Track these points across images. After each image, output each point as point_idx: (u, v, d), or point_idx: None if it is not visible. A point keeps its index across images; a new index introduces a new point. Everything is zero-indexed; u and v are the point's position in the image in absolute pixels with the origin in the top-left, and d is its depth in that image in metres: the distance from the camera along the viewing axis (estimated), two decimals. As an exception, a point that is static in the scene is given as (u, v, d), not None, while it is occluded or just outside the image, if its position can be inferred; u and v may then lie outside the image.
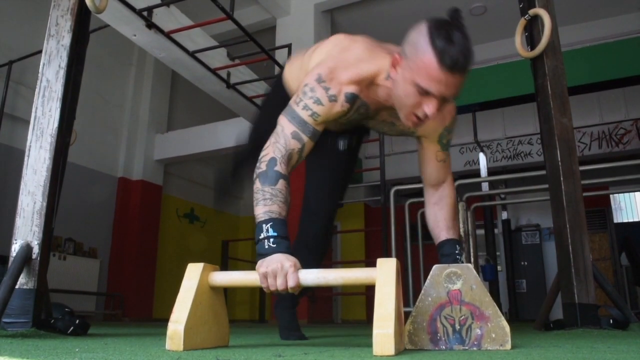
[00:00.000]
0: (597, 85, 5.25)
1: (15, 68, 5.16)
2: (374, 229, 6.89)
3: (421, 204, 4.94)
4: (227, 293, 7.15)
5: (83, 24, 2.15)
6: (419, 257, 4.92)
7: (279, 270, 1.11)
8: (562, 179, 2.20)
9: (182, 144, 6.88)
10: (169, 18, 3.89)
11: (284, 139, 1.29)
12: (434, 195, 1.51)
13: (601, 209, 7.70)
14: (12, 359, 0.91)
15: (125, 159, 6.77)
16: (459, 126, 1.60)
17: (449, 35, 1.14)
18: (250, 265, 7.02)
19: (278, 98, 1.69)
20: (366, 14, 6.54)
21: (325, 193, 1.90)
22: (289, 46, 4.77)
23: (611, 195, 8.07)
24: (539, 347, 1.16)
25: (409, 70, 1.21)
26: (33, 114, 2.01)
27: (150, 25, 3.70)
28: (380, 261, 1.08)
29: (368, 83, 1.35)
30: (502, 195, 6.83)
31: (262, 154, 1.28)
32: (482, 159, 6.55)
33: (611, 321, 2.02)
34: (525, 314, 7.22)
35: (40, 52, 2.14)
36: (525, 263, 7.90)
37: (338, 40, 1.45)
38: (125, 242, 6.53)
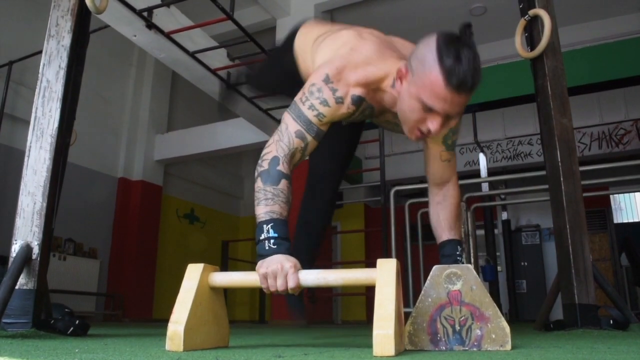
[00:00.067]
0: (597, 85, 5.25)
1: (15, 68, 5.16)
2: (374, 230, 6.89)
3: (421, 205, 4.98)
4: (227, 294, 7.14)
5: (83, 24, 2.15)
6: (419, 257, 4.92)
7: (279, 271, 1.11)
8: (562, 179, 2.20)
9: (182, 145, 6.89)
10: (169, 18, 3.88)
11: (288, 137, 1.27)
12: (437, 194, 1.50)
13: (601, 209, 7.70)
14: (12, 360, 0.91)
15: (125, 159, 6.78)
16: (459, 127, 1.60)
17: (458, 54, 1.12)
18: (251, 266, 7.02)
19: (284, 60, 1.70)
20: (366, 14, 6.54)
21: (328, 155, 1.88)
22: (289, 46, 4.76)
23: (611, 196, 8.07)
24: (539, 348, 1.16)
25: (415, 85, 1.19)
26: (33, 115, 2.01)
27: (151, 25, 3.70)
28: (380, 262, 1.08)
29: (375, 87, 1.34)
30: (502, 196, 6.83)
31: (265, 151, 1.27)
32: (482, 159, 6.55)
33: (611, 322, 2.02)
34: (525, 315, 7.22)
35: (40, 52, 2.15)
36: (525, 263, 7.90)
37: (347, 38, 1.42)
38: (125, 243, 6.53)
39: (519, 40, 2.40)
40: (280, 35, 6.11)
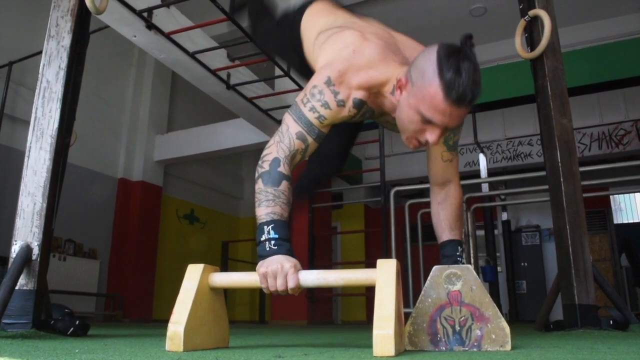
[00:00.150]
0: (597, 86, 5.26)
1: (15, 69, 5.15)
2: (374, 230, 6.89)
3: (421, 205, 4.97)
4: (227, 294, 7.14)
5: (83, 24, 2.15)
6: (419, 258, 4.92)
7: (279, 271, 1.12)
8: (562, 179, 2.20)
9: (182, 145, 6.89)
10: (169, 19, 3.88)
11: (289, 138, 1.28)
12: (439, 194, 1.50)
13: (601, 209, 7.70)
14: (11, 360, 0.91)
15: (125, 159, 6.77)
16: (459, 127, 1.60)
17: (458, 67, 1.12)
18: (251, 266, 7.03)
19: (292, 33, 1.70)
20: (366, 15, 6.54)
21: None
22: (289, 47, 4.76)
23: (611, 196, 8.08)
24: (539, 348, 1.16)
25: (414, 97, 1.20)
26: (33, 115, 2.01)
27: (150, 26, 3.70)
28: (380, 262, 1.08)
29: (376, 91, 1.34)
30: (502, 196, 6.84)
31: (265, 152, 1.27)
32: (482, 159, 6.55)
33: (611, 322, 2.02)
34: (526, 315, 7.22)
35: (40, 53, 2.15)
36: (525, 264, 7.90)
37: (350, 40, 1.40)
38: (125, 243, 6.53)
39: (519, 40, 2.40)
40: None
